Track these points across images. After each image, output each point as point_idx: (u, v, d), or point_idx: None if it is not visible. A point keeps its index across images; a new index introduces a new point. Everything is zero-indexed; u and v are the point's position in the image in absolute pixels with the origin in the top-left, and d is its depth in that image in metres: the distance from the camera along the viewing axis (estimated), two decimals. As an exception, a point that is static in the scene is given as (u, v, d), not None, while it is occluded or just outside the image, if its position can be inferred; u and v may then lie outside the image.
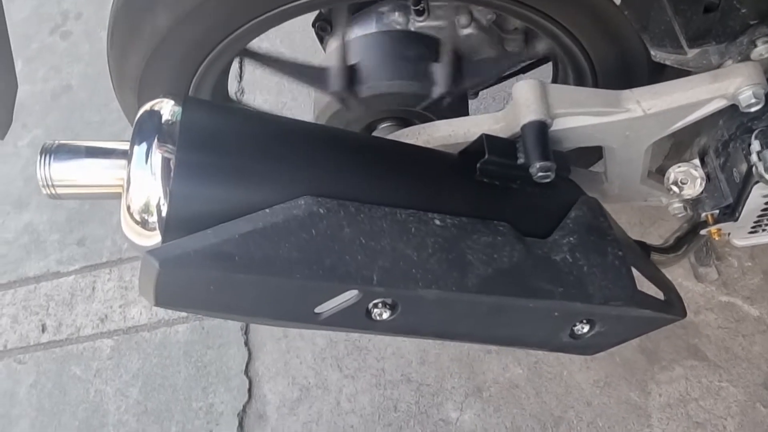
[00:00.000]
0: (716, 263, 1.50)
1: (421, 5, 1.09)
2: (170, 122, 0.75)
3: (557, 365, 1.48)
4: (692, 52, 0.87)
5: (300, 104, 1.95)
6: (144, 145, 0.74)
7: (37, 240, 1.95)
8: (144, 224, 0.74)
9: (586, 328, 0.88)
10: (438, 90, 1.09)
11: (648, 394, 1.42)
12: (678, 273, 1.50)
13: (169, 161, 0.72)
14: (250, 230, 0.69)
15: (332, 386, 1.55)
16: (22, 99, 2.15)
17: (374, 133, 1.20)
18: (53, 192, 0.78)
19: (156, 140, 0.74)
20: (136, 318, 1.76)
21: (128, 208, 0.75)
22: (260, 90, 2.02)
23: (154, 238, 0.74)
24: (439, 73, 1.09)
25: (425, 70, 1.10)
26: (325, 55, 1.21)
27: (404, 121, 1.17)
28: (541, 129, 0.86)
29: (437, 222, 0.78)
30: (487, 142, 0.85)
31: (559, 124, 0.89)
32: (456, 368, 1.51)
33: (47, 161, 0.77)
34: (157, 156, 0.73)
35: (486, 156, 0.84)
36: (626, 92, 0.90)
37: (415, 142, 1.02)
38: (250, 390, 1.59)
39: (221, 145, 0.74)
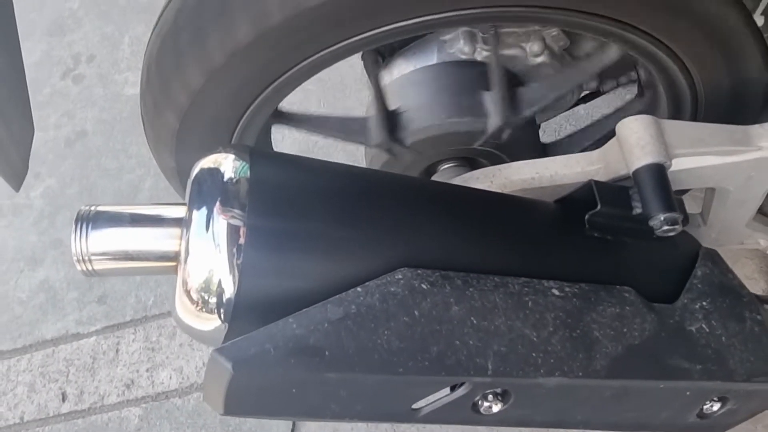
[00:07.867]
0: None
1: (492, 32, 0.96)
2: (234, 181, 0.62)
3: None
4: None
5: (330, 141, 1.82)
6: (204, 210, 0.61)
7: (54, 299, 1.81)
8: (204, 305, 0.61)
9: (717, 406, 0.75)
10: (493, 122, 0.95)
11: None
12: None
13: (237, 229, 0.60)
14: (341, 317, 0.55)
15: (385, 456, 1.40)
16: (34, 147, 1.94)
17: (435, 177, 1.08)
18: (91, 268, 0.65)
19: (219, 203, 0.61)
20: (165, 383, 1.60)
21: (185, 284, 0.62)
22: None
23: (214, 322, 0.61)
24: (491, 103, 0.95)
25: (473, 103, 0.96)
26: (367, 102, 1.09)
27: (466, 160, 1.05)
28: (660, 173, 0.73)
29: (555, 292, 0.64)
30: (597, 189, 0.73)
31: (674, 166, 0.76)
32: None
33: (84, 231, 0.64)
34: (221, 223, 0.60)
35: (598, 206, 0.72)
36: (755, 128, 0.78)
37: (489, 186, 0.89)
38: (295, 463, 1.44)
39: (300, 207, 0.61)
